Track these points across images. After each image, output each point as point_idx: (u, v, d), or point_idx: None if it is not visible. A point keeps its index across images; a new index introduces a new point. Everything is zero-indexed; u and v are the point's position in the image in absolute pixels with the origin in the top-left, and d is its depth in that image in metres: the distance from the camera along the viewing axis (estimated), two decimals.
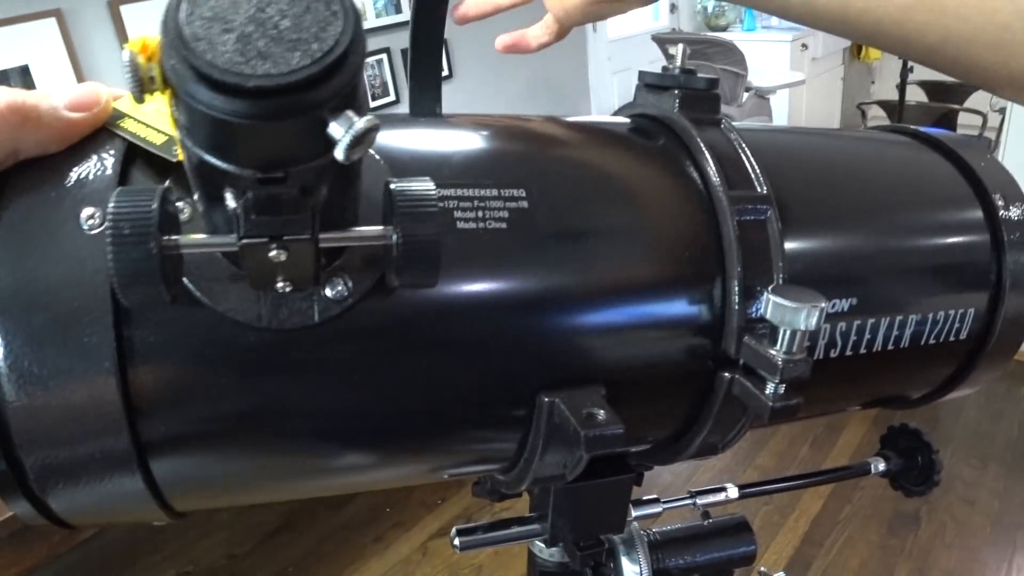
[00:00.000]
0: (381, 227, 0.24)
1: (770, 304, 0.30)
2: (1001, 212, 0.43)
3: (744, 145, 0.36)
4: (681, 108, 0.37)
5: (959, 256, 0.43)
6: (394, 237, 0.23)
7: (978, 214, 0.43)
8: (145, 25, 2.21)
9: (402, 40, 2.91)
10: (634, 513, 0.45)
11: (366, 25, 2.67)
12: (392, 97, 2.79)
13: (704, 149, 0.34)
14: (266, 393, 0.28)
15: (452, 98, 3.12)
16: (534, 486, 0.37)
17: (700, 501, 0.47)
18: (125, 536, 1.92)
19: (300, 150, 0.20)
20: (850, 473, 0.54)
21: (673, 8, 4.50)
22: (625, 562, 0.46)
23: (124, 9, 2.15)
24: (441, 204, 0.29)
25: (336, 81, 0.19)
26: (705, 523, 0.49)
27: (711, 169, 0.34)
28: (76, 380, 0.26)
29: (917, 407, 0.49)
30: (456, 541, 0.40)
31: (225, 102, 0.18)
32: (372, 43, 2.72)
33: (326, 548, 1.92)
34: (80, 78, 2.06)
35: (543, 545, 0.45)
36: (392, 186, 0.23)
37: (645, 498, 0.46)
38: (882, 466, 0.55)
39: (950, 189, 0.43)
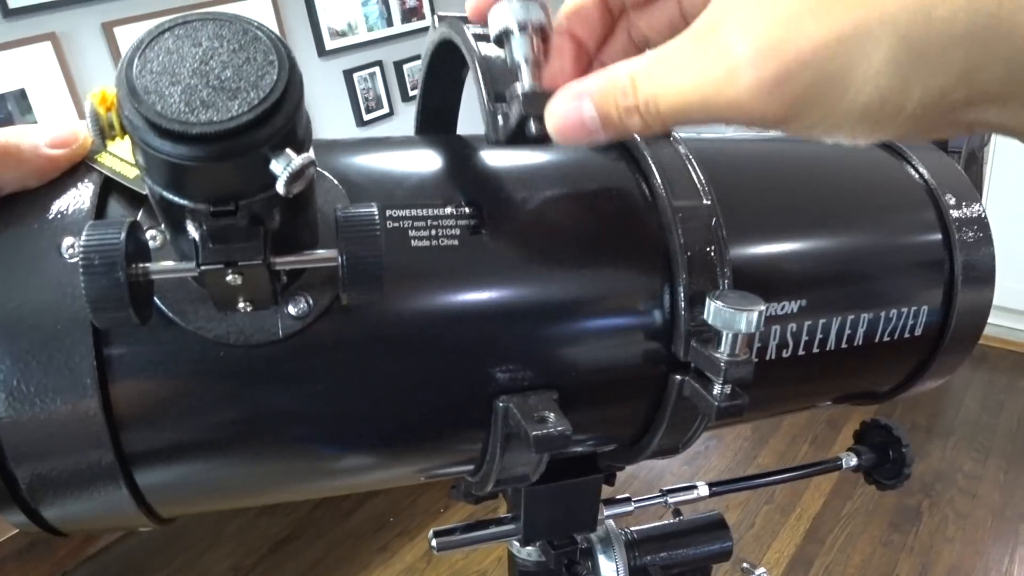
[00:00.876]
0: (329, 250, 0.26)
1: (712, 309, 0.31)
2: (952, 211, 0.44)
3: (692, 157, 0.37)
4: None
5: (911, 255, 0.44)
6: (340, 259, 0.25)
7: (930, 214, 0.44)
8: None
9: (394, 53, 2.94)
10: (606, 512, 0.47)
11: (358, 39, 2.70)
12: (386, 110, 2.81)
13: (651, 163, 0.36)
14: (236, 405, 0.30)
15: None
16: (501, 487, 0.38)
17: (671, 499, 0.49)
18: (132, 550, 1.94)
19: (246, 185, 0.22)
20: (821, 469, 0.55)
21: None
22: (602, 560, 0.47)
23: (118, 31, 2.18)
24: (394, 224, 0.31)
25: (272, 124, 0.21)
26: (680, 520, 0.51)
27: (657, 182, 0.35)
28: (61, 397, 0.28)
29: (885, 401, 0.51)
30: (433, 542, 0.42)
31: (174, 147, 0.20)
32: (364, 57, 2.74)
33: (332, 558, 1.93)
34: (76, 100, 2.09)
35: (519, 545, 0.47)
36: (338, 213, 0.25)
37: (618, 497, 0.48)
38: (854, 461, 0.57)
39: (902, 189, 0.45)
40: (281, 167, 0.21)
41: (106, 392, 0.28)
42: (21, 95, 2.01)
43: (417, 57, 3.06)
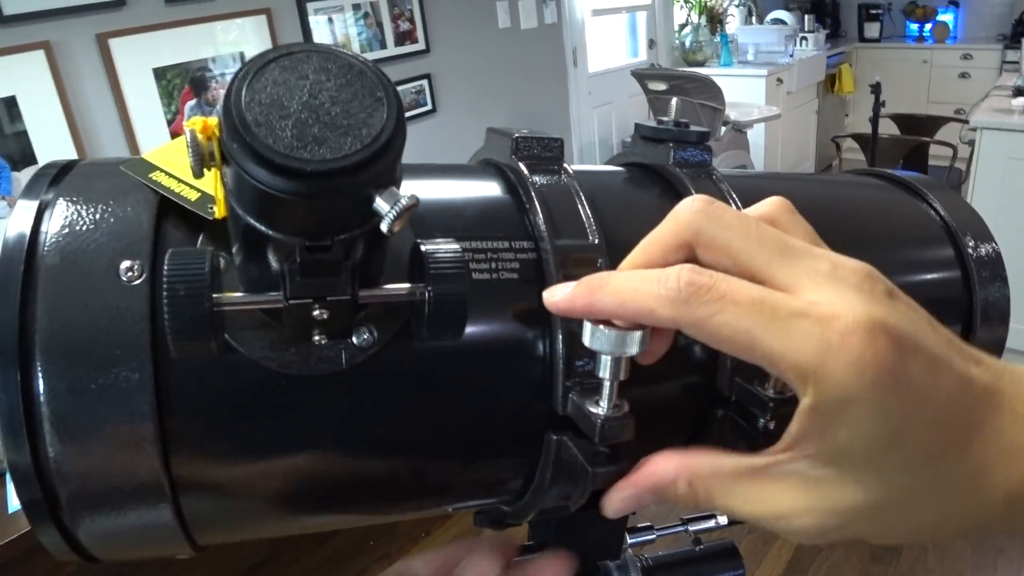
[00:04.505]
0: (409, 284, 0.26)
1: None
2: (971, 251, 0.46)
3: (734, 194, 0.38)
4: (675, 159, 0.39)
5: (934, 292, 0.45)
6: (426, 295, 0.25)
7: (949, 253, 0.45)
8: (132, 58, 2.23)
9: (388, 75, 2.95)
10: (629, 540, 0.47)
11: None
12: None
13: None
14: (296, 435, 0.30)
15: (434, 132, 3.18)
16: (539, 517, 0.39)
17: (692, 528, 0.49)
18: (105, 571, 1.89)
19: (347, 221, 0.22)
20: None
21: (652, 44, 4.61)
22: None
23: (112, 42, 2.17)
24: None
25: (382, 162, 0.21)
26: (694, 548, 0.51)
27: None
28: (116, 422, 0.28)
29: None
30: None
31: (284, 183, 0.20)
32: None
33: None
34: (67, 110, 2.07)
35: None
36: (423, 248, 0.25)
37: (639, 525, 0.48)
38: None
39: (923, 229, 0.46)
40: (388, 205, 0.21)
41: (161, 418, 0.28)
42: (11, 102, 1.99)
43: (410, 80, 3.08)
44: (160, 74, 2.32)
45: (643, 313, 0.25)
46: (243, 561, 1.97)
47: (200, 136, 0.22)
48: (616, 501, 0.30)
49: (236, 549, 2.00)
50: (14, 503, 1.27)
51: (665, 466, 0.28)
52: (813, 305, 0.23)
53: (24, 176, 2.02)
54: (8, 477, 1.11)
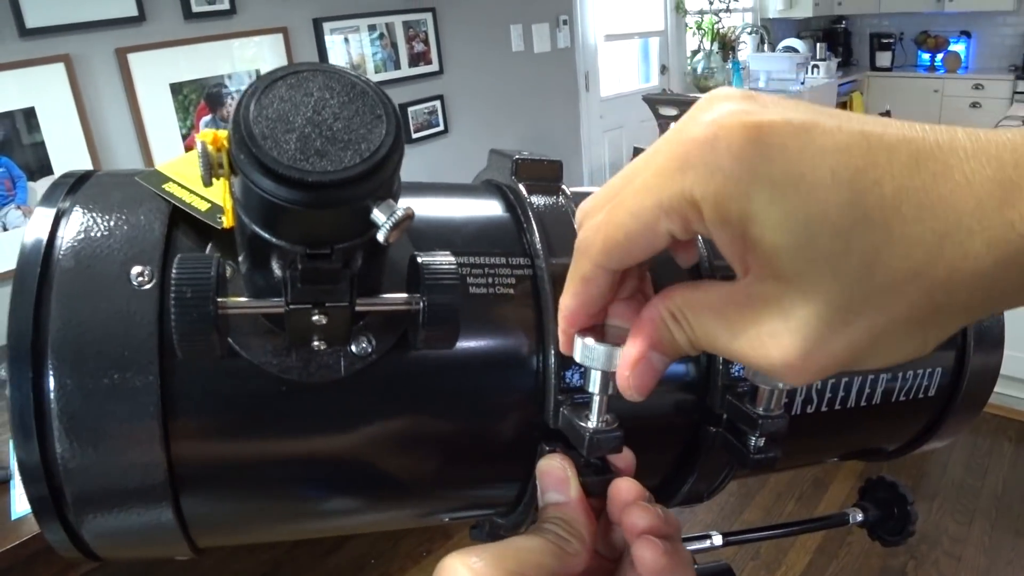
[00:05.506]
0: (406, 294, 0.27)
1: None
2: None
3: None
4: None
5: None
6: (421, 304, 0.26)
7: None
8: (150, 73, 2.27)
9: (400, 95, 2.99)
10: None
11: None
12: None
13: None
14: (292, 439, 0.31)
15: (446, 152, 3.21)
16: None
17: (688, 548, 0.50)
18: None
19: (345, 231, 0.23)
20: (829, 523, 0.56)
21: (664, 69, 4.64)
22: None
23: (131, 57, 2.21)
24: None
25: (380, 175, 0.22)
26: (694, 568, 0.51)
27: None
28: (122, 421, 0.29)
29: (893, 459, 0.52)
30: None
31: (287, 192, 0.22)
32: None
33: None
34: (85, 122, 2.11)
35: None
36: (419, 259, 0.26)
37: None
38: (860, 517, 0.58)
39: None
40: (384, 216, 0.22)
41: (165, 419, 0.29)
42: (30, 113, 2.03)
43: (422, 100, 3.11)
44: (176, 89, 2.36)
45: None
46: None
47: (211, 147, 0.23)
48: (627, 371, 0.26)
49: (238, 563, 2.00)
50: (18, 509, 1.28)
51: (649, 309, 0.26)
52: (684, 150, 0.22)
53: (40, 186, 2.05)
54: (12, 483, 1.12)
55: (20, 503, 1.29)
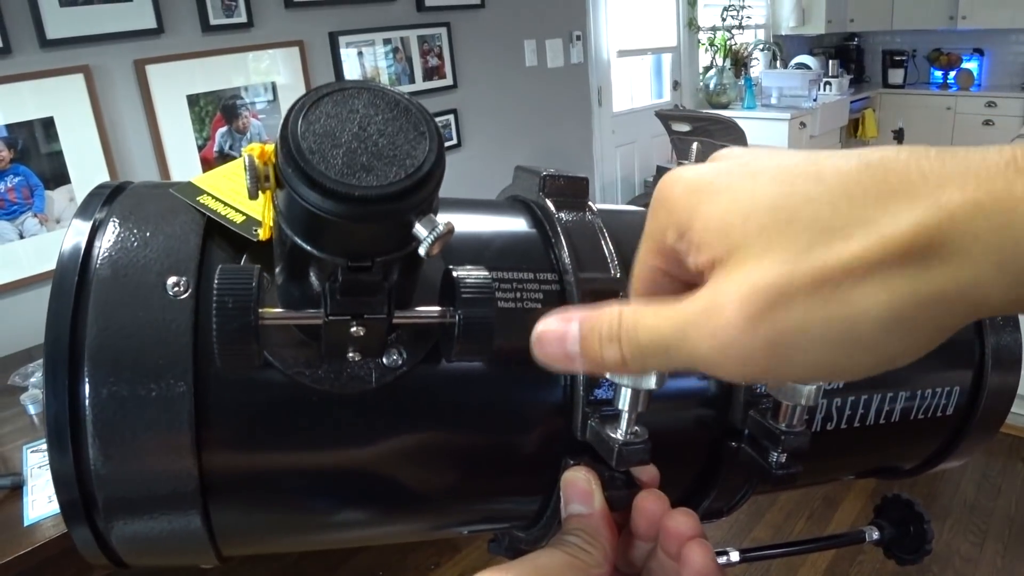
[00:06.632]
0: (439, 307, 0.28)
1: None
2: None
3: None
4: None
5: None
6: (457, 318, 0.27)
7: None
8: (167, 84, 2.30)
9: None
10: None
11: None
12: None
13: None
14: (322, 449, 0.31)
15: (460, 167, 3.22)
16: None
17: None
18: None
19: (387, 244, 0.24)
20: (846, 540, 0.56)
21: (676, 85, 4.66)
22: None
23: (149, 68, 2.24)
24: None
25: (424, 191, 0.23)
26: None
27: None
28: (155, 429, 0.29)
29: (909, 477, 0.52)
30: None
31: (333, 206, 0.22)
32: None
33: None
34: (102, 132, 2.13)
35: None
36: (454, 273, 0.27)
37: None
38: (876, 535, 0.58)
39: None
40: (426, 231, 0.23)
41: (198, 428, 0.29)
42: (48, 123, 2.05)
43: (436, 114, 3.13)
44: (193, 100, 2.39)
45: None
46: None
47: (258, 161, 0.24)
48: (549, 324, 0.26)
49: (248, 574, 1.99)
50: (30, 515, 1.29)
51: (608, 304, 0.25)
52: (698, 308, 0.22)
53: (57, 195, 2.07)
54: (24, 490, 1.12)
55: (33, 509, 1.29)
